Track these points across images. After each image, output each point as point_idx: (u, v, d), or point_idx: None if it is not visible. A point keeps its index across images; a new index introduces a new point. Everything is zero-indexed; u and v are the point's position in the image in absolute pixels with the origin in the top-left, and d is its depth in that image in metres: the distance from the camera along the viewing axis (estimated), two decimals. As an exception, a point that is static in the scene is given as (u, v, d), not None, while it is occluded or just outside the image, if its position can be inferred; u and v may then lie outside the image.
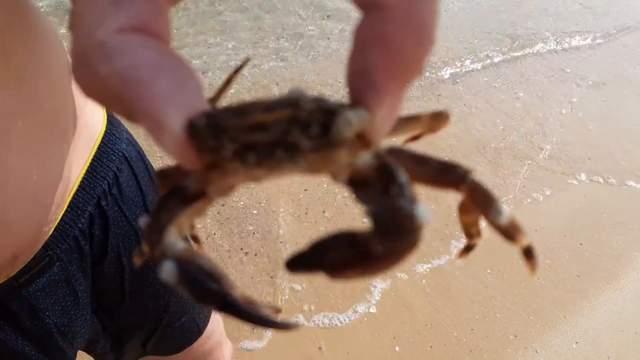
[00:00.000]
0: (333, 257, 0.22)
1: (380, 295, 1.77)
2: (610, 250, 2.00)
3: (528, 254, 0.28)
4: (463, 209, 0.30)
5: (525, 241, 0.27)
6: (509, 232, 0.27)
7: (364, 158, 0.23)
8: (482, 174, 2.30)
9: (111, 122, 0.64)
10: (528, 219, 2.10)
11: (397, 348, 1.63)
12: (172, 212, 0.24)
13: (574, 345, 1.66)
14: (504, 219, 0.26)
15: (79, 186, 0.58)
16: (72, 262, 0.60)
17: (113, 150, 0.63)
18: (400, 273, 1.85)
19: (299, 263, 0.23)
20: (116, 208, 0.63)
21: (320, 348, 1.61)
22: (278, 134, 0.21)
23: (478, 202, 0.26)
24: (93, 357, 0.83)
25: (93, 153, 0.60)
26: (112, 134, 0.63)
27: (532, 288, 1.84)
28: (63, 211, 0.56)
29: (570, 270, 1.91)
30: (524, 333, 1.69)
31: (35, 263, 0.55)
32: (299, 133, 0.21)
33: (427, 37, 0.20)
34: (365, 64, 0.21)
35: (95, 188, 0.60)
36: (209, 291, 0.22)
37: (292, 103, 0.21)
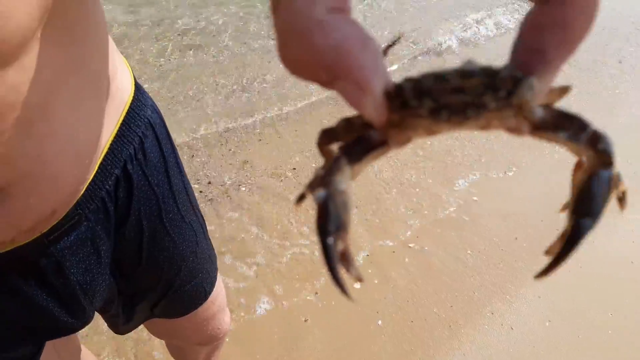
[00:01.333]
0: None
1: (364, 272, 1.83)
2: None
3: (622, 197, 0.31)
4: (578, 167, 0.31)
5: (623, 187, 0.30)
6: (615, 180, 0.29)
7: (538, 111, 0.27)
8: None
9: (138, 89, 0.66)
10: (503, 199, 2.17)
11: (379, 322, 1.69)
12: (356, 156, 0.28)
13: (547, 324, 1.75)
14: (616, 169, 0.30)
15: (109, 149, 0.60)
16: (98, 222, 0.62)
17: (140, 116, 0.64)
18: (383, 250, 1.92)
19: None
20: (140, 172, 0.66)
21: (305, 321, 1.67)
22: (474, 96, 0.26)
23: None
24: (104, 318, 0.86)
25: (122, 117, 0.61)
26: (139, 100, 0.65)
27: (510, 269, 1.92)
28: (94, 172, 0.58)
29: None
30: (501, 311, 1.77)
31: (66, 221, 0.57)
32: (491, 95, 0.26)
33: (593, 21, 0.25)
34: (540, 44, 0.25)
35: (122, 152, 0.61)
36: (326, 231, 0.26)
37: (487, 72, 0.26)
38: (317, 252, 1.88)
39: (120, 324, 0.85)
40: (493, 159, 2.44)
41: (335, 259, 0.26)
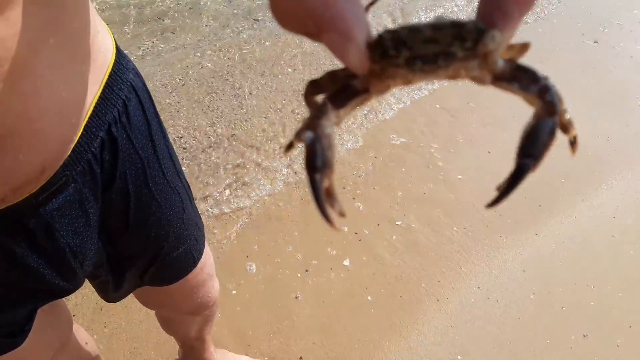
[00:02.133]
0: None
1: (352, 250, 1.86)
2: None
3: (574, 142, 0.36)
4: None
5: (574, 132, 0.35)
6: (567, 126, 0.34)
7: (500, 63, 0.31)
8: (451, 138, 2.39)
9: (119, 52, 0.66)
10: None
11: (369, 297, 1.72)
12: (340, 102, 0.32)
13: (532, 296, 1.79)
14: (568, 116, 0.34)
15: (93, 111, 0.60)
16: (85, 185, 0.63)
17: (122, 79, 0.65)
18: (371, 228, 1.94)
19: None
20: (125, 136, 0.66)
21: (296, 297, 1.68)
22: (444, 45, 0.29)
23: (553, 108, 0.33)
24: (94, 286, 0.87)
25: (105, 80, 0.62)
26: (121, 63, 0.66)
27: (495, 245, 1.96)
28: (79, 133, 0.59)
29: (530, 228, 2.04)
30: (487, 285, 1.81)
31: (54, 181, 0.58)
32: (458, 45, 0.29)
33: None
34: (500, 0, 0.29)
35: (106, 114, 0.62)
36: (314, 167, 0.29)
37: (455, 24, 0.29)
38: (307, 229, 1.90)
39: (110, 291, 0.86)
40: (474, 138, 2.47)
41: (321, 194, 0.29)
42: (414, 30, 0.29)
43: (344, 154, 2.25)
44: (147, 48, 2.69)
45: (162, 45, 2.73)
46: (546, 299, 1.79)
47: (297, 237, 1.88)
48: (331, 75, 0.35)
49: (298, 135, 0.30)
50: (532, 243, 1.99)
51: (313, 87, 0.36)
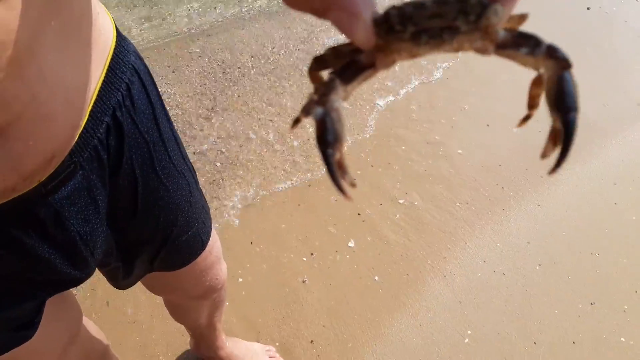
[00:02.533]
0: None
1: (356, 231, 1.85)
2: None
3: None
4: (535, 83, 0.38)
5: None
6: None
7: (501, 33, 0.33)
8: (449, 113, 2.37)
9: (120, 35, 0.65)
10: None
11: (375, 278, 1.71)
12: (348, 78, 0.33)
13: (537, 267, 1.80)
14: None
15: (97, 95, 0.59)
16: (93, 171, 0.62)
17: (124, 62, 0.64)
18: (373, 208, 1.93)
19: None
20: (130, 120, 0.65)
21: (304, 281, 1.68)
22: (449, 20, 0.30)
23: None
24: (104, 274, 0.86)
25: (107, 63, 0.61)
26: (122, 45, 0.64)
27: (498, 219, 1.96)
28: (85, 119, 0.58)
29: (533, 200, 2.04)
30: (493, 258, 1.81)
31: (62, 169, 0.57)
32: (462, 19, 0.30)
33: None
34: None
35: (110, 99, 0.61)
36: (326, 142, 0.30)
37: (460, 0, 0.30)
38: (312, 213, 1.89)
39: (121, 278, 0.86)
40: (472, 113, 2.45)
41: (335, 167, 0.30)
42: (419, 6, 0.30)
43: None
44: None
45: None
46: (552, 270, 1.79)
47: (300, 220, 1.87)
48: (335, 50, 0.36)
49: (306, 111, 0.31)
50: (535, 214, 1.99)
51: (318, 63, 0.37)
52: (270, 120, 2.27)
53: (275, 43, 2.71)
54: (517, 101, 2.46)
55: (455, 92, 2.55)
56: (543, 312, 1.66)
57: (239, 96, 2.38)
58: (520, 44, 0.33)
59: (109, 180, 0.66)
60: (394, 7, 0.31)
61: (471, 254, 1.83)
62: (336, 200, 1.94)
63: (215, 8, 2.92)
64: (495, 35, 0.32)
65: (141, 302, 1.57)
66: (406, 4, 0.31)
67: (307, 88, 2.48)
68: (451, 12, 0.30)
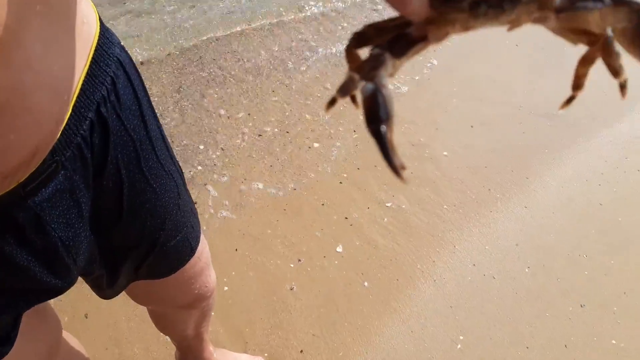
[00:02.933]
0: None
1: (343, 235, 1.81)
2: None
3: (623, 86, 0.36)
4: (584, 60, 0.35)
5: (624, 77, 0.35)
6: (618, 71, 0.34)
7: (557, 1, 0.30)
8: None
9: (103, 25, 0.60)
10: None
11: (365, 283, 1.67)
12: (399, 51, 0.30)
13: (527, 270, 1.78)
14: (620, 60, 0.33)
15: (81, 89, 0.54)
16: (76, 172, 0.57)
17: (108, 54, 0.59)
18: (360, 211, 1.89)
19: None
20: (115, 116, 0.61)
21: (292, 289, 1.63)
22: None
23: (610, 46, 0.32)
24: (88, 283, 0.81)
25: (91, 55, 0.56)
26: (106, 37, 0.60)
27: (486, 221, 1.94)
28: (68, 114, 0.53)
29: (520, 202, 2.03)
30: (482, 261, 1.79)
31: (43, 169, 0.52)
32: None
33: None
34: None
35: (94, 93, 0.57)
36: (378, 119, 0.28)
37: None
38: (298, 218, 1.84)
39: (105, 287, 0.80)
40: (455, 114, 2.44)
41: (389, 146, 0.28)
42: None
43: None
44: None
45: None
46: (541, 272, 1.78)
47: (286, 225, 1.82)
48: (376, 27, 0.34)
49: (344, 90, 0.29)
50: (522, 216, 1.98)
51: (358, 39, 0.35)
52: (254, 125, 2.22)
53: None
54: (500, 101, 2.45)
55: (438, 94, 2.53)
56: (534, 315, 1.64)
57: (223, 100, 2.32)
58: (578, 2, 0.30)
59: (92, 181, 0.61)
60: None
61: (460, 257, 1.80)
62: (323, 204, 1.90)
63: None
64: (553, 3, 0.30)
65: (122, 314, 1.50)
66: None
67: (294, 88, 2.43)
68: None
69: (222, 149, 2.08)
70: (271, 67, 2.54)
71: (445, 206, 1.97)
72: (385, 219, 1.88)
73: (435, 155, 2.19)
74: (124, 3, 2.78)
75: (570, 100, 0.39)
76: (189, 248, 0.86)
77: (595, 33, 0.31)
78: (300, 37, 2.77)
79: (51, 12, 0.45)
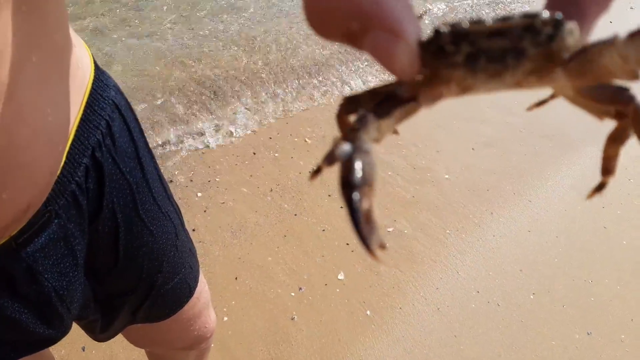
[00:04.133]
0: None
1: (346, 262, 1.78)
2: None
3: None
4: (612, 138, 0.30)
5: None
6: None
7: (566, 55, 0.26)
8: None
9: (98, 68, 0.59)
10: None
11: (367, 312, 1.64)
12: (383, 111, 0.26)
13: (532, 296, 1.75)
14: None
15: (75, 135, 0.53)
16: (70, 219, 0.55)
17: (103, 97, 0.58)
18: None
19: None
20: (110, 160, 0.59)
21: (293, 318, 1.59)
22: (513, 40, 0.24)
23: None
24: (81, 327, 0.78)
25: (85, 100, 0.55)
26: (101, 80, 0.58)
27: (490, 246, 1.91)
28: (62, 162, 0.51)
29: (523, 226, 2.00)
30: (486, 288, 1.76)
31: (36, 220, 0.50)
32: (530, 39, 0.24)
33: None
34: None
35: (89, 138, 0.55)
36: (352, 184, 0.23)
37: (527, 15, 0.24)
38: (298, 244, 1.81)
39: (98, 332, 0.77)
40: (456, 136, 2.42)
41: (361, 216, 0.24)
42: (476, 22, 0.25)
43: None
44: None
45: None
46: (546, 298, 1.75)
47: (287, 252, 1.79)
48: (370, 91, 0.30)
49: (329, 159, 0.25)
50: (526, 240, 1.95)
51: (349, 103, 0.31)
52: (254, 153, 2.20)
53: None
54: (501, 122, 2.44)
55: (438, 116, 2.52)
56: (540, 343, 1.61)
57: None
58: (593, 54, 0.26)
59: (88, 228, 0.60)
60: (445, 24, 0.25)
61: (464, 283, 1.77)
62: (323, 230, 1.87)
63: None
64: (563, 53, 0.26)
65: (119, 346, 1.46)
66: (461, 20, 0.25)
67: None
68: (517, 28, 0.24)
69: (220, 174, 2.06)
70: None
71: (447, 230, 1.95)
72: (387, 244, 1.85)
73: (437, 178, 2.17)
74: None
75: (599, 188, 0.32)
76: (187, 289, 0.83)
77: (623, 102, 0.26)
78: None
79: (47, 59, 0.44)
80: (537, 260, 1.88)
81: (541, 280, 1.80)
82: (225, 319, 1.57)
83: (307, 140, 2.29)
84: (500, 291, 1.76)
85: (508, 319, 1.68)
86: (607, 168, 0.31)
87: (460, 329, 1.63)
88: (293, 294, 1.66)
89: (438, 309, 1.68)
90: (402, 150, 2.28)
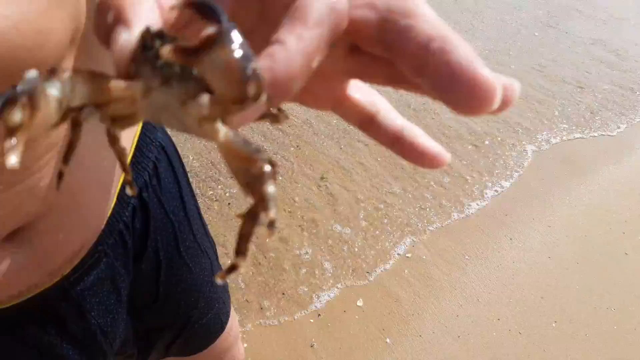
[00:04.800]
0: None
1: (363, 289, 1.77)
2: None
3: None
4: (250, 215, 0.24)
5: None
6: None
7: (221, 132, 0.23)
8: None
9: None
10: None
11: (387, 340, 1.63)
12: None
13: (553, 325, 1.73)
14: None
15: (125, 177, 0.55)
16: (117, 258, 0.57)
17: (151, 139, 0.60)
18: (384, 265, 1.86)
19: None
20: (155, 200, 0.61)
21: (312, 346, 1.59)
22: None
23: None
24: None
25: (135, 142, 0.57)
26: (149, 122, 0.60)
27: (509, 271, 1.89)
28: (113, 205, 0.53)
29: (543, 252, 1.99)
30: (507, 315, 1.74)
31: (87, 259, 0.52)
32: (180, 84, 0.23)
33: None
34: None
35: (137, 179, 0.57)
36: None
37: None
38: (317, 271, 1.81)
39: None
40: (473, 163, 2.43)
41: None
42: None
43: (345, 194, 2.18)
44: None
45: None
46: (569, 327, 1.72)
47: (306, 278, 1.79)
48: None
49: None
50: (546, 267, 1.93)
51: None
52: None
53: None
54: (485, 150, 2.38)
55: (452, 140, 2.53)
56: (564, 374, 1.59)
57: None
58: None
59: (132, 266, 0.61)
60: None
61: (484, 310, 1.75)
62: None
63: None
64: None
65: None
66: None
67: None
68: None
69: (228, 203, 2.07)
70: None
71: (467, 256, 1.94)
72: (406, 271, 1.85)
73: (457, 203, 2.16)
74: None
75: (231, 269, 0.24)
76: (219, 324, 0.84)
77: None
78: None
79: None
80: (558, 287, 1.85)
81: (563, 308, 1.78)
82: (245, 345, 1.57)
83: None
84: (521, 319, 1.74)
85: (530, 348, 1.65)
86: (240, 249, 0.25)
87: (482, 358, 1.61)
88: (312, 320, 1.66)
89: (458, 336, 1.66)
90: (417, 176, 2.28)
